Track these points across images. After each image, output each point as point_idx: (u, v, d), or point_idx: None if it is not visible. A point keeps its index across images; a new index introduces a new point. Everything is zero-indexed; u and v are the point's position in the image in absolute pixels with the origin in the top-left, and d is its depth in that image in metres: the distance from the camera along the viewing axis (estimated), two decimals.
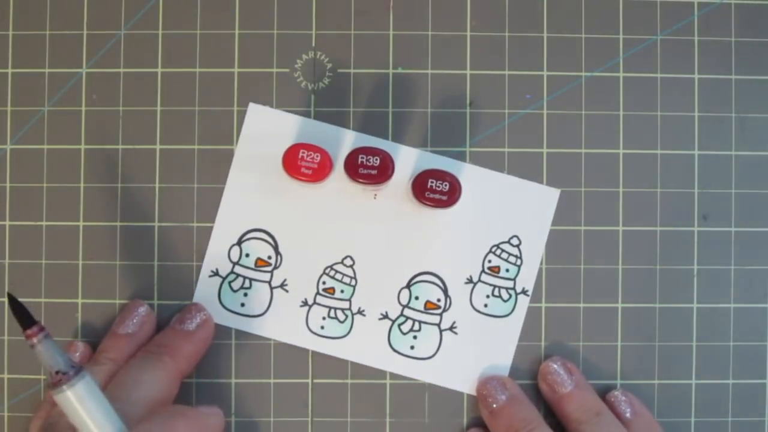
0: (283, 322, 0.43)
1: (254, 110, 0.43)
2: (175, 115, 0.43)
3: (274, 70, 0.44)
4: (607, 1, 0.44)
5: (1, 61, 0.44)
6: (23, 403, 0.43)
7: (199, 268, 0.43)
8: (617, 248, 0.43)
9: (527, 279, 0.43)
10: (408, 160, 0.43)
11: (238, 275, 0.43)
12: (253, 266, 0.43)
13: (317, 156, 0.40)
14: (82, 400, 0.33)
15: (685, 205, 0.44)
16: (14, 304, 0.33)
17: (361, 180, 0.40)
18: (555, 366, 0.42)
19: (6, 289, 0.43)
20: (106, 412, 0.33)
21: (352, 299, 0.43)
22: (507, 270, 0.43)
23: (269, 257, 0.43)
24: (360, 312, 0.43)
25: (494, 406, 0.42)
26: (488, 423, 0.42)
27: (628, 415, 0.42)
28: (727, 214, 0.44)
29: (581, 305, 0.43)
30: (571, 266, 0.43)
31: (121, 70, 0.44)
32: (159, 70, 0.44)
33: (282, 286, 0.43)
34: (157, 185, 0.43)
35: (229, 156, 0.43)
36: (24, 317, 0.33)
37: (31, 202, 0.43)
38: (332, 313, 0.43)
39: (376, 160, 0.40)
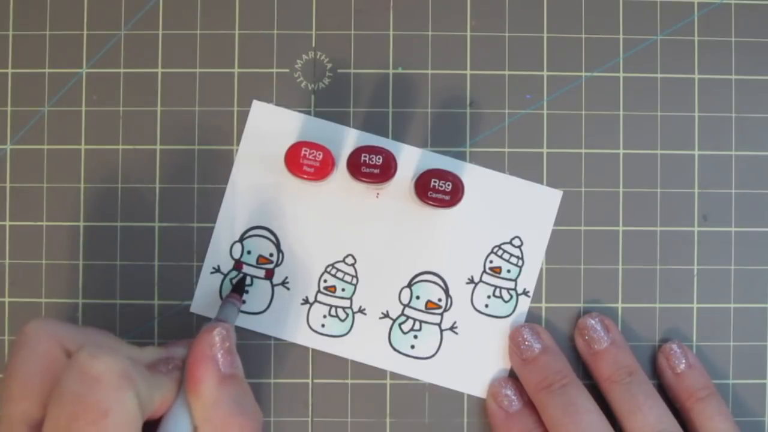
0: (283, 320, 0.43)
1: (258, 107, 0.43)
2: (175, 115, 0.43)
3: (274, 70, 0.44)
4: (607, 1, 0.44)
5: (1, 61, 0.43)
6: None
7: (199, 268, 0.43)
8: (617, 248, 0.43)
9: (528, 280, 0.43)
10: (411, 159, 0.43)
11: (239, 272, 0.43)
12: (254, 263, 0.43)
13: (320, 154, 0.40)
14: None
15: (685, 205, 0.44)
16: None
17: (363, 179, 0.40)
18: (592, 321, 0.42)
19: (6, 289, 0.43)
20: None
21: (353, 298, 0.43)
22: (508, 271, 0.43)
23: (271, 255, 0.43)
24: (361, 311, 0.43)
25: (528, 354, 0.41)
26: (519, 371, 0.42)
27: (682, 367, 0.42)
28: (727, 214, 0.44)
29: (581, 305, 0.43)
30: (571, 266, 0.43)
31: (121, 70, 0.44)
32: (159, 70, 0.44)
33: (283, 283, 0.43)
34: (157, 185, 0.43)
35: (229, 156, 0.43)
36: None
37: (31, 202, 0.43)
38: (333, 312, 0.43)
39: (379, 159, 0.40)
